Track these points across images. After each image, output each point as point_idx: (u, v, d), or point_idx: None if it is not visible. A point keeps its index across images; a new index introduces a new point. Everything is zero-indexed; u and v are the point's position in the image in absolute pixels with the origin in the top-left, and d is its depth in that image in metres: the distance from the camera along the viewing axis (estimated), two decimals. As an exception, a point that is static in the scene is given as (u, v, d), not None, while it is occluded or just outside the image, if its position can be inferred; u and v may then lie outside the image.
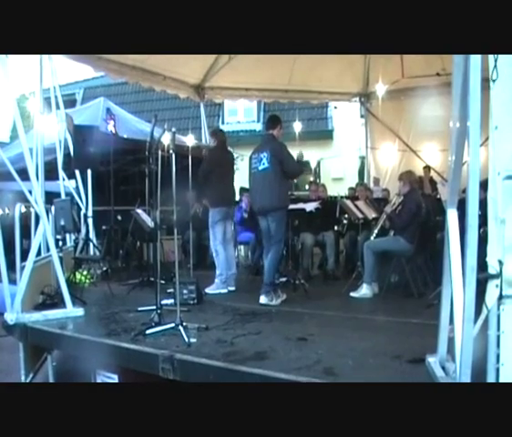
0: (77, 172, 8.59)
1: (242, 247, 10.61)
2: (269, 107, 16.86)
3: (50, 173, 7.80)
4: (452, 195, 3.32)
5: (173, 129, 4.87)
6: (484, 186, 2.63)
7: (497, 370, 2.58)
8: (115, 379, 4.61)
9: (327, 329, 4.88)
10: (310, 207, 7.37)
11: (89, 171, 8.68)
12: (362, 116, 13.28)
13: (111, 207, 8.90)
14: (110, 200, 8.82)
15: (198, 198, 9.22)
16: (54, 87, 8.17)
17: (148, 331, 4.56)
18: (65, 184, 8.24)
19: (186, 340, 4.27)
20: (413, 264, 6.53)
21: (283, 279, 7.06)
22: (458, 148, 3.09)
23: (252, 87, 11.48)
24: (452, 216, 3.23)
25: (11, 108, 6.01)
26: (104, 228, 9.35)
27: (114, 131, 9.58)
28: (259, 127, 18.23)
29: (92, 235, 8.52)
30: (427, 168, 11.09)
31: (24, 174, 5.49)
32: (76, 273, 7.14)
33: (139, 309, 5.52)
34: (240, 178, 8.17)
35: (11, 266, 5.53)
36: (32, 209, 6.33)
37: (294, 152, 6.33)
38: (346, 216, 8.50)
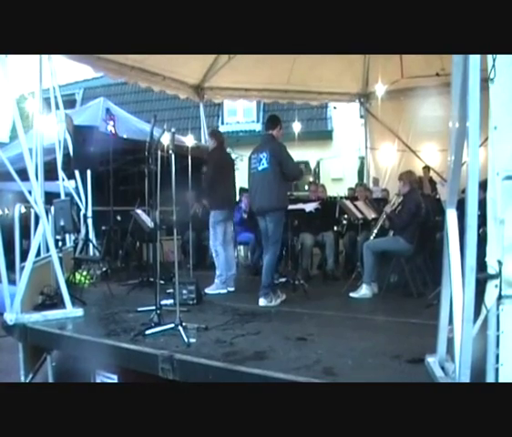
0: (77, 172, 8.59)
1: (242, 247, 10.61)
2: (268, 108, 16.87)
3: (50, 173, 7.79)
4: (451, 195, 3.32)
5: (173, 129, 4.87)
6: (483, 186, 2.63)
7: (497, 370, 2.58)
8: (114, 379, 4.61)
9: (326, 329, 4.88)
10: (309, 207, 7.36)
11: (89, 171, 8.69)
12: (361, 117, 13.30)
13: (111, 207, 8.90)
14: (110, 201, 8.82)
15: (198, 199, 9.22)
16: (53, 88, 8.17)
17: (147, 332, 4.56)
18: (64, 184, 8.24)
19: (185, 340, 4.27)
20: (412, 264, 6.54)
21: (283, 280, 7.06)
22: (458, 149, 3.10)
23: (252, 87, 11.49)
24: (451, 216, 3.23)
25: (10, 108, 6.00)
26: (103, 228, 9.34)
27: (113, 131, 9.57)
28: (258, 127, 18.24)
29: (92, 235, 8.52)
30: (427, 169, 11.10)
31: (23, 174, 5.49)
32: (76, 273, 7.13)
33: (139, 309, 5.52)
34: (240, 179, 8.17)
35: (10, 266, 5.53)
36: (31, 210, 6.32)
37: (294, 154, 6.28)
38: (346, 216, 8.51)
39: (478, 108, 2.57)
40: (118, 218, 9.38)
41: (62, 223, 6.25)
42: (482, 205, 2.65)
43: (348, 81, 11.76)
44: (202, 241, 9.60)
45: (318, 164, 17.05)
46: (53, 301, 5.85)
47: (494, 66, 2.58)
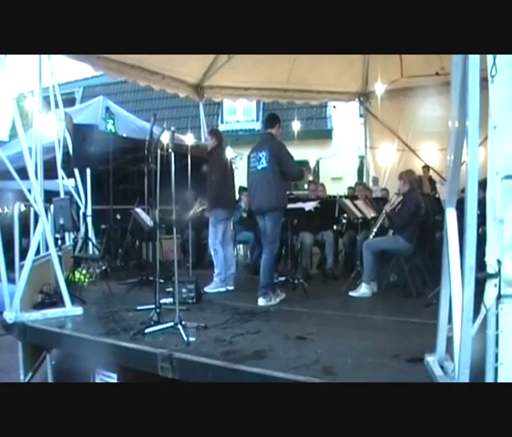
0: (77, 171, 8.58)
1: (241, 246, 10.62)
2: (268, 107, 16.85)
3: (49, 172, 7.78)
4: (451, 194, 3.32)
5: (172, 128, 4.87)
6: (483, 185, 2.63)
7: (496, 369, 2.58)
8: (114, 378, 4.61)
9: (326, 328, 4.88)
10: (309, 206, 7.37)
11: (88, 170, 8.68)
12: (361, 116, 13.29)
13: (110, 206, 8.90)
14: (109, 199, 8.82)
15: (202, 197, 9.20)
16: (53, 86, 8.16)
17: (147, 330, 4.57)
18: (64, 183, 8.23)
19: (185, 338, 4.28)
20: (412, 263, 6.54)
21: (282, 279, 7.06)
22: (457, 148, 3.10)
23: (252, 87, 11.48)
24: (451, 215, 3.24)
25: (10, 107, 6.00)
26: (103, 227, 9.35)
27: (113, 130, 9.57)
28: (258, 126, 18.23)
29: (91, 234, 8.51)
30: (426, 168, 11.10)
31: (23, 173, 5.49)
32: (76, 272, 7.14)
33: (138, 308, 5.53)
34: (240, 178, 8.17)
35: (10, 265, 5.53)
36: (31, 208, 6.32)
37: (293, 152, 6.26)
38: (345, 215, 8.51)
39: (478, 108, 2.58)
40: (118, 216, 9.39)
41: (61, 222, 6.25)
42: (481, 204, 2.65)
43: (348, 80, 11.75)
44: (202, 240, 9.60)
45: (317, 163, 17.04)
46: (52, 300, 5.85)
47: (494, 62, 2.58)
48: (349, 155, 16.04)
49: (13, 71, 5.71)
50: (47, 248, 5.94)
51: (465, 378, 2.60)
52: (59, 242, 6.13)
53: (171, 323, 4.57)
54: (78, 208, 8.45)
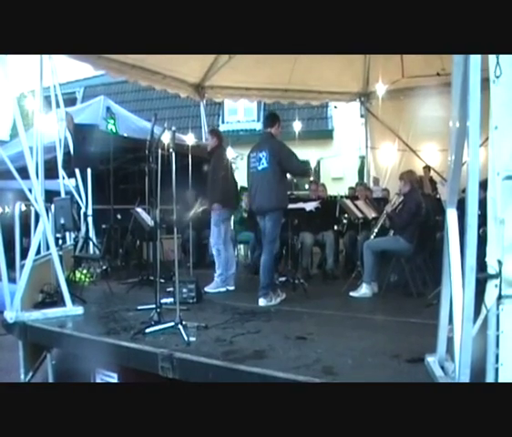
0: (77, 171, 8.59)
1: (242, 246, 10.62)
2: (269, 107, 16.84)
3: (50, 171, 7.79)
4: (451, 195, 3.32)
5: (173, 128, 4.87)
6: (483, 186, 2.63)
7: (496, 370, 2.58)
8: (114, 377, 4.61)
9: (326, 328, 4.88)
10: (309, 206, 7.36)
11: (89, 170, 8.68)
12: (362, 116, 13.28)
13: (111, 205, 8.91)
14: (110, 199, 8.83)
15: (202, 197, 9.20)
16: (54, 86, 8.17)
17: (147, 330, 4.56)
18: (65, 182, 8.24)
19: (185, 338, 4.28)
20: (412, 264, 6.54)
21: (283, 279, 7.06)
22: (458, 148, 3.10)
23: (252, 87, 11.47)
24: (451, 215, 3.24)
25: (11, 107, 6.01)
26: (104, 226, 9.36)
27: (114, 130, 9.57)
28: (259, 126, 18.20)
29: (92, 234, 8.52)
30: (427, 168, 11.09)
31: (24, 172, 5.49)
32: (76, 272, 7.14)
33: (139, 307, 5.53)
34: (240, 178, 8.17)
35: (11, 264, 5.53)
36: (32, 208, 6.32)
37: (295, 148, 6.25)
38: (346, 215, 8.52)
39: (479, 108, 2.58)
40: (119, 216, 9.39)
41: (62, 221, 6.26)
42: (482, 205, 2.65)
43: (348, 80, 11.74)
44: (202, 240, 9.60)
45: (318, 163, 17.02)
46: (53, 299, 5.85)
47: (498, 63, 2.58)
48: (350, 155, 16.04)
49: (14, 71, 5.72)
50: (48, 248, 5.95)
51: (465, 378, 2.60)
52: (60, 242, 6.14)
53: (172, 323, 4.57)
54: (79, 207, 8.46)
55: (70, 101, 16.35)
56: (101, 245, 8.46)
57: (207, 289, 6.77)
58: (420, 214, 6.54)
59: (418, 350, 3.71)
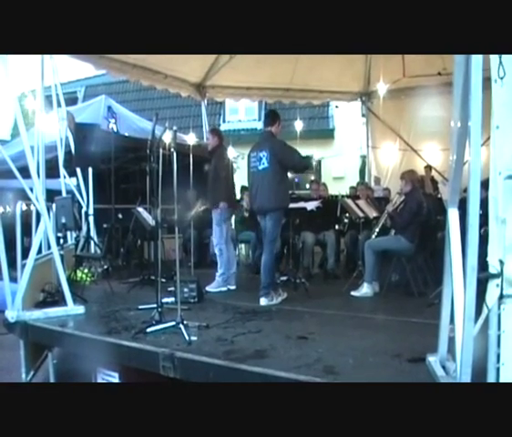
0: (78, 170, 8.60)
1: (243, 245, 10.61)
2: (270, 106, 16.82)
3: (51, 171, 7.80)
4: (453, 194, 3.32)
5: (174, 128, 4.88)
6: (485, 185, 2.63)
7: (498, 369, 2.58)
8: (115, 377, 4.61)
9: (327, 327, 4.88)
10: (311, 205, 7.36)
11: (90, 169, 8.69)
12: (363, 116, 13.26)
13: (112, 205, 8.90)
14: (111, 198, 8.82)
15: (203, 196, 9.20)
16: (55, 85, 8.17)
17: (148, 329, 4.57)
18: (66, 182, 8.24)
19: (186, 338, 4.28)
20: (413, 263, 6.53)
21: (284, 278, 7.06)
22: (459, 148, 3.10)
23: (253, 86, 11.46)
24: (453, 215, 3.24)
25: (12, 106, 6.01)
26: (105, 226, 9.36)
27: (115, 129, 9.57)
28: (260, 125, 18.15)
29: (93, 233, 8.52)
30: (428, 168, 11.07)
31: (25, 172, 5.50)
32: (77, 271, 7.15)
33: (140, 307, 5.53)
34: (241, 177, 8.18)
35: (12, 264, 5.54)
36: (33, 207, 6.33)
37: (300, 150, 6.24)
38: (347, 215, 8.51)
39: (480, 108, 2.57)
40: (120, 215, 9.40)
41: (63, 221, 6.26)
42: (484, 204, 2.65)
43: (350, 80, 11.73)
44: (204, 240, 9.61)
45: (319, 163, 17.00)
46: (54, 299, 5.85)
47: (501, 63, 2.58)
48: (351, 154, 16.01)
49: (15, 70, 5.71)
50: (49, 247, 5.95)
51: (466, 378, 2.60)
52: (61, 241, 6.15)
53: (173, 322, 4.57)
54: (80, 207, 8.47)
55: (71, 100, 16.36)
56: (102, 244, 8.46)
57: (208, 288, 6.77)
58: (421, 213, 6.54)
59: (419, 350, 3.71)
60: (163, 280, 5.70)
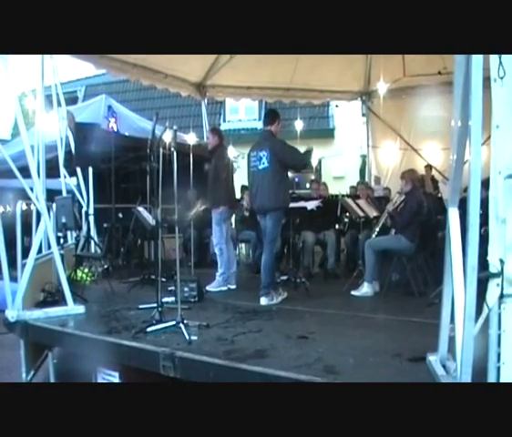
0: (79, 169, 8.60)
1: (243, 245, 10.61)
2: (270, 106, 16.82)
3: (51, 170, 7.80)
4: (453, 194, 3.32)
5: (174, 127, 4.88)
6: (485, 185, 2.63)
7: (498, 369, 2.58)
8: (116, 376, 4.61)
9: (328, 327, 4.88)
10: (311, 205, 7.35)
11: (90, 169, 8.69)
12: (363, 115, 13.27)
13: (112, 204, 8.90)
14: (111, 198, 8.82)
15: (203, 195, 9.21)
16: (55, 85, 8.17)
17: (148, 329, 4.57)
18: (66, 181, 8.24)
19: (187, 337, 4.28)
20: (414, 263, 6.53)
21: (284, 278, 7.06)
22: (460, 147, 3.09)
23: (254, 86, 11.45)
24: (453, 215, 3.24)
25: (12, 106, 6.01)
26: (105, 225, 9.36)
27: (115, 129, 9.58)
28: (260, 125, 18.11)
29: (93, 232, 8.52)
30: (429, 167, 11.07)
31: (25, 171, 5.50)
32: (78, 271, 7.15)
33: (140, 306, 5.53)
34: (242, 176, 8.17)
35: (12, 263, 5.54)
36: (33, 207, 6.33)
37: (300, 148, 6.23)
38: (347, 214, 8.51)
39: (481, 107, 2.57)
40: (120, 215, 9.40)
41: (63, 220, 6.26)
42: (484, 204, 2.65)
43: (350, 80, 11.73)
44: (204, 239, 9.61)
45: (320, 162, 17.00)
46: (54, 298, 5.86)
47: (501, 63, 2.57)
48: (351, 154, 16.02)
49: (15, 69, 5.71)
50: (49, 247, 5.95)
51: (467, 377, 2.60)
52: (61, 241, 6.15)
53: (173, 322, 4.57)
54: (80, 206, 8.46)
55: (71, 100, 16.37)
56: (102, 244, 8.46)
57: (208, 287, 6.77)
58: (421, 213, 6.54)
59: (420, 350, 3.71)
60: (163, 280, 5.70)
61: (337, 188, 12.01)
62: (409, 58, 10.10)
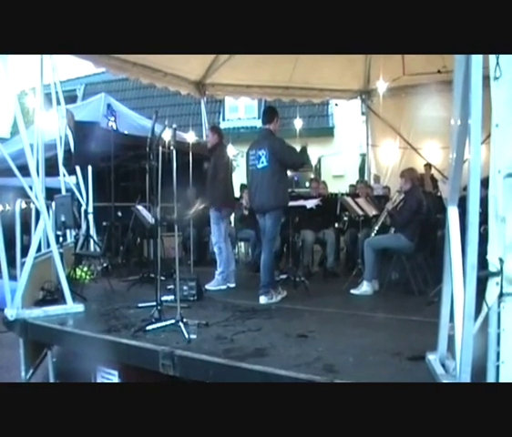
0: (78, 168, 8.59)
1: (243, 244, 10.61)
2: (269, 103, 16.80)
3: (51, 169, 7.80)
4: (453, 192, 3.32)
5: (174, 126, 4.87)
6: (485, 183, 2.63)
7: (497, 367, 2.58)
8: (115, 375, 4.61)
9: (327, 326, 4.88)
10: (310, 204, 7.34)
11: (90, 167, 8.69)
12: (363, 114, 13.28)
13: (112, 203, 8.90)
14: (111, 196, 8.82)
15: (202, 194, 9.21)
16: (54, 83, 8.16)
17: (148, 328, 4.57)
18: (65, 180, 8.24)
19: (186, 336, 4.28)
20: (413, 261, 6.53)
21: (284, 277, 7.05)
22: (459, 146, 3.09)
23: (253, 84, 11.45)
24: (453, 213, 3.23)
25: (11, 104, 6.01)
26: (104, 224, 9.34)
27: (114, 127, 9.57)
28: (259, 123, 18.01)
29: (92, 231, 8.53)
30: (428, 166, 11.08)
31: (24, 170, 5.49)
32: (77, 269, 7.14)
33: (140, 305, 5.53)
34: (241, 175, 8.17)
35: (11, 262, 5.53)
36: (32, 205, 6.32)
37: (297, 145, 6.22)
38: (347, 213, 8.50)
39: (480, 106, 2.57)
40: (119, 214, 9.38)
41: (63, 219, 6.25)
42: (483, 202, 2.64)
43: (349, 78, 11.72)
44: (203, 238, 9.61)
45: (319, 161, 17.01)
46: (53, 297, 5.86)
47: (498, 63, 2.57)
48: (351, 153, 16.02)
49: (14, 68, 5.71)
50: (49, 246, 5.95)
51: (466, 376, 2.60)
52: (60, 239, 6.14)
53: (172, 321, 4.57)
54: (80, 205, 8.47)
55: (71, 99, 16.34)
56: (102, 242, 8.44)
57: (208, 286, 6.77)
58: (421, 212, 6.54)
59: (419, 348, 3.71)
60: (163, 278, 5.70)
61: (336, 186, 11.99)
62: (409, 57, 10.10)
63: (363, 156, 14.08)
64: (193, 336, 4.35)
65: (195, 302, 5.91)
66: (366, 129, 12.89)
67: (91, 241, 8.27)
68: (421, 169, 10.42)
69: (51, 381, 5.34)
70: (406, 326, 4.77)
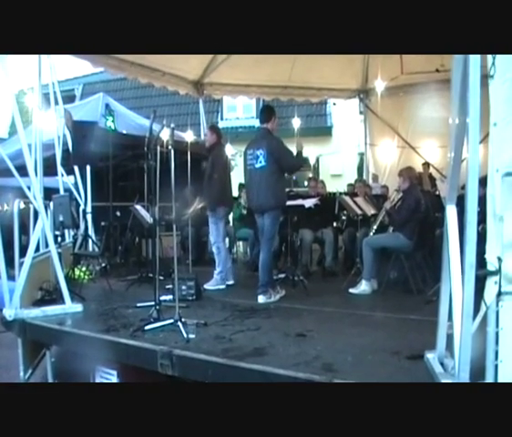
0: (76, 168, 8.58)
1: (241, 243, 10.61)
2: (267, 103, 16.80)
3: (49, 169, 7.78)
4: (451, 191, 3.32)
5: (172, 125, 4.87)
6: (483, 182, 2.63)
7: (496, 366, 2.59)
8: (114, 375, 4.61)
9: (326, 325, 4.88)
10: (309, 203, 7.34)
11: (88, 167, 8.68)
12: (361, 113, 13.27)
13: (110, 203, 8.90)
14: (109, 196, 8.82)
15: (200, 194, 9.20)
16: (53, 83, 8.15)
17: (146, 327, 4.56)
18: (63, 180, 8.22)
19: (185, 335, 4.28)
20: (412, 260, 6.54)
21: (282, 276, 7.05)
22: (457, 145, 3.10)
23: (252, 84, 11.45)
24: (451, 212, 3.24)
25: (10, 104, 6.00)
26: (103, 224, 9.33)
27: (113, 127, 9.56)
28: (257, 122, 18.12)
29: (91, 231, 8.52)
30: (426, 165, 11.09)
31: (22, 170, 5.49)
32: (75, 269, 7.13)
33: (138, 305, 5.52)
34: (239, 174, 8.16)
35: (10, 262, 5.53)
36: (31, 205, 6.32)
37: (293, 150, 6.22)
38: (345, 212, 8.51)
39: (478, 105, 2.58)
40: (118, 213, 9.38)
41: (61, 219, 6.24)
42: (482, 201, 2.65)
43: (348, 78, 11.71)
44: (202, 237, 9.60)
45: (317, 160, 17.02)
46: (52, 297, 5.85)
47: (494, 63, 2.58)
48: (349, 152, 16.04)
49: (13, 68, 5.70)
50: (47, 246, 5.94)
51: (465, 375, 2.61)
52: (59, 239, 6.12)
53: (171, 320, 4.57)
54: (78, 205, 8.46)
55: (69, 98, 16.34)
56: (100, 242, 8.44)
57: (206, 286, 6.76)
58: (419, 211, 6.54)
59: (418, 347, 3.71)
60: (161, 278, 5.70)
61: (335, 185, 11.98)
62: (407, 56, 10.08)
63: (362, 155, 14.08)
64: (192, 336, 4.35)
65: (194, 302, 5.91)
66: (364, 128, 12.88)
67: (89, 241, 8.26)
68: (419, 168, 10.41)
69: (50, 380, 5.35)
70: (405, 325, 4.78)
